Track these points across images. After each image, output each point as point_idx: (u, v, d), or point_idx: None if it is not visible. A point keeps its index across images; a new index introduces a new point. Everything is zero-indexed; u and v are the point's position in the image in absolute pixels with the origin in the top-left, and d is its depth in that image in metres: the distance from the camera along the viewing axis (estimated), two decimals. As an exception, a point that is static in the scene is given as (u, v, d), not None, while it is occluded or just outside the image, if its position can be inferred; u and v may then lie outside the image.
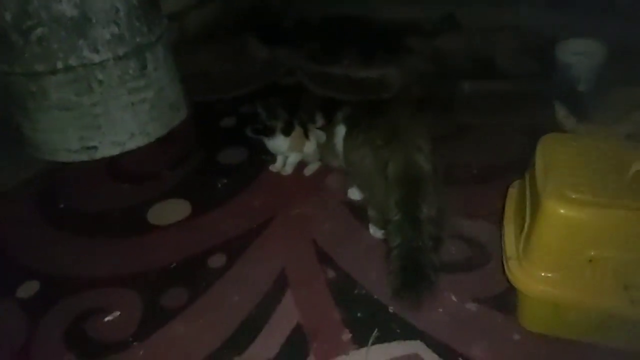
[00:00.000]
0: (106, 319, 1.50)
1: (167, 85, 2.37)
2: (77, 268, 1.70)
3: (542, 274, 1.24)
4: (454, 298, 1.48)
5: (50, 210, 1.98)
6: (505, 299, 1.43)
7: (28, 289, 1.63)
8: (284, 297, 1.52)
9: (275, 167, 2.06)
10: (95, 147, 2.22)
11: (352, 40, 3.10)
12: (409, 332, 1.39)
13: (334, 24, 3.38)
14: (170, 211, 1.91)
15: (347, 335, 1.39)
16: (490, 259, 1.59)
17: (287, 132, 1.93)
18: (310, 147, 1.99)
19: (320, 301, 1.51)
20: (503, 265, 1.34)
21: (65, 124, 2.15)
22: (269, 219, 1.82)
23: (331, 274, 1.59)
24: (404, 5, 3.34)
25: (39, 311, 1.54)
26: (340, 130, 1.74)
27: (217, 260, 1.67)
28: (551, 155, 1.31)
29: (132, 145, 2.28)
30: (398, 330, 1.40)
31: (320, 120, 1.93)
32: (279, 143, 1.96)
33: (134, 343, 1.42)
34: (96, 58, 2.06)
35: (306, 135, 1.97)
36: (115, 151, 2.25)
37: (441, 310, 1.45)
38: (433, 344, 1.35)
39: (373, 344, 1.36)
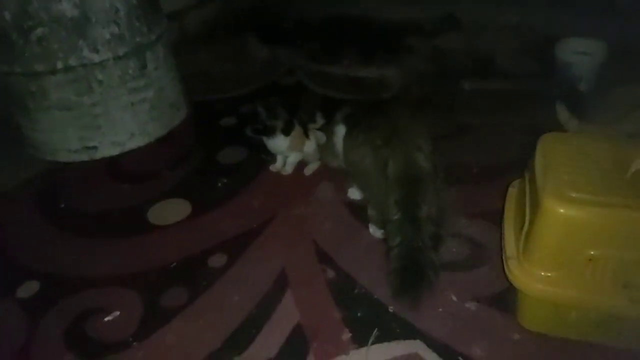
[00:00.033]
0: (106, 319, 1.50)
1: (167, 85, 2.37)
2: (77, 268, 1.70)
3: (542, 273, 1.24)
4: (453, 297, 1.48)
5: (50, 210, 1.98)
6: (505, 299, 1.43)
7: (28, 289, 1.63)
8: (284, 297, 1.52)
9: (275, 167, 2.06)
10: (95, 147, 2.22)
11: (352, 40, 3.11)
12: (409, 332, 1.39)
13: (334, 23, 3.38)
14: (171, 211, 1.91)
15: (347, 335, 1.39)
16: (490, 259, 1.59)
17: (287, 132, 1.94)
18: (310, 146, 1.99)
19: (320, 301, 1.51)
20: (503, 265, 1.34)
21: (65, 124, 2.15)
22: (269, 219, 1.82)
23: (331, 273, 1.59)
24: (404, 5, 3.34)
25: (39, 311, 1.54)
26: (340, 130, 1.74)
27: (217, 260, 1.67)
28: (551, 154, 1.31)
29: (132, 145, 2.28)
30: (398, 330, 1.40)
31: (320, 120, 1.93)
32: (278, 143, 1.96)
33: (134, 343, 1.42)
34: (96, 58, 2.07)
35: (306, 135, 1.97)
36: (115, 151, 2.25)
37: (441, 309, 1.45)
38: (433, 344, 1.35)
39: (373, 343, 1.36)
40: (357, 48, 2.98)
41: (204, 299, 1.54)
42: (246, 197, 1.95)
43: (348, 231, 1.76)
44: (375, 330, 1.39)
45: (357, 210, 1.81)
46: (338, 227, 1.78)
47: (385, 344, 1.36)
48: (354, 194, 1.85)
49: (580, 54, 2.39)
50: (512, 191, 1.53)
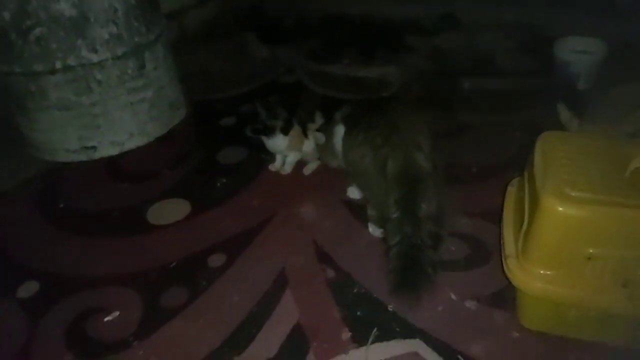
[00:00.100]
0: (106, 318, 1.50)
1: (167, 85, 2.37)
2: (77, 268, 1.70)
3: (541, 272, 1.24)
4: (453, 296, 1.48)
5: (49, 210, 1.98)
6: (505, 297, 1.43)
7: (28, 289, 1.63)
8: (284, 296, 1.52)
9: (274, 167, 2.06)
10: (94, 147, 2.22)
11: (352, 39, 3.10)
12: (409, 331, 1.39)
13: (333, 23, 3.38)
14: (170, 211, 1.91)
15: (346, 334, 1.39)
16: (489, 257, 1.59)
17: (285, 131, 1.93)
18: (309, 146, 1.99)
19: (320, 300, 1.51)
20: (502, 264, 1.34)
21: (64, 123, 2.15)
22: (268, 218, 1.82)
23: (331, 273, 1.59)
24: (404, 4, 3.34)
25: (39, 311, 1.54)
26: (340, 130, 1.74)
27: (217, 260, 1.67)
28: (550, 153, 1.31)
29: (131, 144, 2.28)
30: (397, 329, 1.40)
31: (319, 120, 1.93)
32: (277, 142, 1.96)
33: (134, 343, 1.42)
34: (95, 58, 2.07)
35: (305, 134, 1.97)
36: (114, 151, 2.25)
37: (440, 308, 1.45)
38: (432, 343, 1.35)
39: (373, 342, 1.36)
40: (357, 47, 2.98)
41: (204, 299, 1.54)
42: (246, 197, 1.96)
43: (348, 230, 1.76)
44: (375, 330, 1.39)
45: (357, 210, 1.81)
46: (338, 226, 1.78)
47: (385, 343, 1.36)
48: (354, 193, 1.85)
49: (579, 53, 2.39)
50: (512, 190, 1.52)
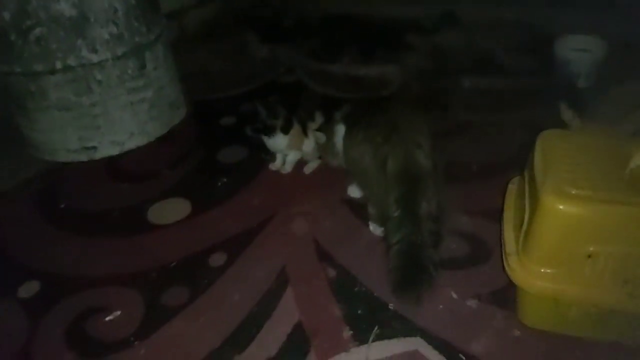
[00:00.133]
0: (107, 318, 1.51)
1: (167, 85, 2.37)
2: (77, 268, 1.70)
3: (542, 270, 1.24)
4: (453, 295, 1.48)
5: (50, 210, 1.98)
6: (505, 296, 1.43)
7: (29, 289, 1.63)
8: (285, 295, 1.52)
9: (274, 166, 2.06)
10: (94, 147, 2.22)
11: (352, 38, 3.10)
12: (409, 329, 1.39)
13: (334, 22, 3.38)
14: (171, 210, 1.91)
15: (347, 333, 1.39)
16: (490, 256, 1.59)
17: (285, 130, 1.93)
18: (309, 145, 1.99)
19: (320, 299, 1.51)
20: (503, 262, 1.34)
21: (64, 124, 2.15)
22: (269, 218, 1.82)
23: (331, 271, 1.59)
24: (404, 4, 3.34)
25: (40, 311, 1.54)
26: (340, 130, 1.74)
27: (217, 259, 1.67)
28: (550, 151, 1.31)
29: (131, 144, 2.28)
30: (398, 327, 1.40)
31: (319, 119, 1.93)
32: (278, 141, 1.96)
33: (135, 342, 1.43)
34: (95, 58, 2.07)
35: (305, 133, 1.97)
36: (114, 151, 2.25)
37: (441, 306, 1.45)
38: (433, 341, 1.35)
39: (373, 341, 1.36)
40: (357, 46, 2.97)
41: (205, 298, 1.54)
42: (246, 196, 1.96)
43: (348, 229, 1.76)
44: (376, 328, 1.39)
45: (357, 208, 1.81)
46: (338, 225, 1.78)
47: (386, 341, 1.36)
48: (354, 192, 1.85)
49: (579, 51, 2.39)
50: (512, 188, 1.52)
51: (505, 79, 2.55)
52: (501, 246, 1.38)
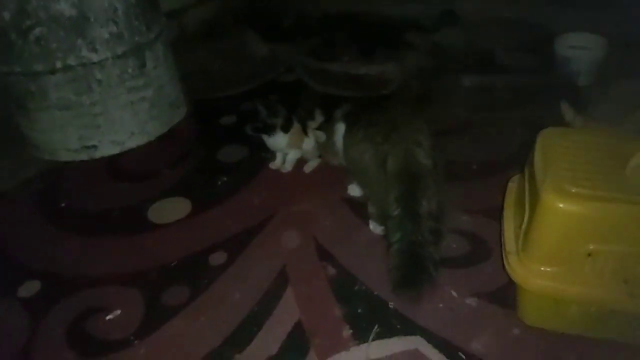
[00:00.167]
0: (107, 317, 1.51)
1: (167, 84, 2.37)
2: (77, 267, 1.70)
3: (542, 269, 1.24)
4: (454, 293, 1.48)
5: (50, 209, 1.98)
6: (505, 294, 1.43)
7: (29, 289, 1.63)
8: (285, 294, 1.52)
9: (275, 165, 2.06)
10: (94, 147, 2.22)
11: (352, 37, 3.09)
12: (409, 328, 1.39)
13: (333, 21, 3.37)
14: (171, 209, 1.91)
15: (347, 332, 1.40)
16: (490, 254, 1.59)
17: (285, 129, 1.94)
18: (309, 144, 1.99)
19: (320, 298, 1.51)
20: (503, 260, 1.34)
21: (64, 123, 2.15)
22: (269, 217, 1.82)
23: (331, 270, 1.60)
24: (404, 3, 3.33)
25: (41, 310, 1.55)
26: (340, 128, 1.74)
27: (217, 258, 1.67)
28: (550, 149, 1.31)
29: (131, 144, 2.28)
30: (398, 326, 1.40)
31: (319, 118, 1.93)
32: (278, 140, 1.96)
33: (135, 341, 1.43)
34: (95, 57, 2.07)
35: (305, 132, 1.97)
36: (114, 150, 2.25)
37: (441, 305, 1.45)
38: (433, 339, 1.35)
39: (373, 339, 1.37)
40: (357, 45, 2.97)
41: (205, 297, 1.55)
42: (246, 195, 1.96)
43: (348, 228, 1.76)
44: (376, 327, 1.39)
45: (357, 207, 1.81)
46: (338, 224, 1.78)
47: (386, 340, 1.37)
48: (354, 190, 1.85)
49: (579, 49, 2.38)
50: (512, 186, 1.52)
51: (505, 78, 2.55)
52: (501, 245, 1.38)
